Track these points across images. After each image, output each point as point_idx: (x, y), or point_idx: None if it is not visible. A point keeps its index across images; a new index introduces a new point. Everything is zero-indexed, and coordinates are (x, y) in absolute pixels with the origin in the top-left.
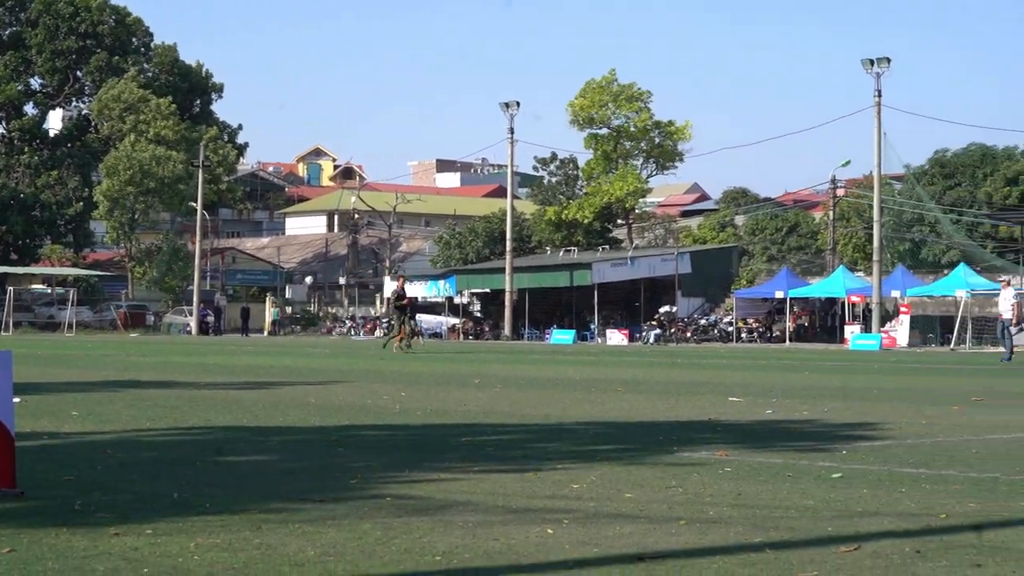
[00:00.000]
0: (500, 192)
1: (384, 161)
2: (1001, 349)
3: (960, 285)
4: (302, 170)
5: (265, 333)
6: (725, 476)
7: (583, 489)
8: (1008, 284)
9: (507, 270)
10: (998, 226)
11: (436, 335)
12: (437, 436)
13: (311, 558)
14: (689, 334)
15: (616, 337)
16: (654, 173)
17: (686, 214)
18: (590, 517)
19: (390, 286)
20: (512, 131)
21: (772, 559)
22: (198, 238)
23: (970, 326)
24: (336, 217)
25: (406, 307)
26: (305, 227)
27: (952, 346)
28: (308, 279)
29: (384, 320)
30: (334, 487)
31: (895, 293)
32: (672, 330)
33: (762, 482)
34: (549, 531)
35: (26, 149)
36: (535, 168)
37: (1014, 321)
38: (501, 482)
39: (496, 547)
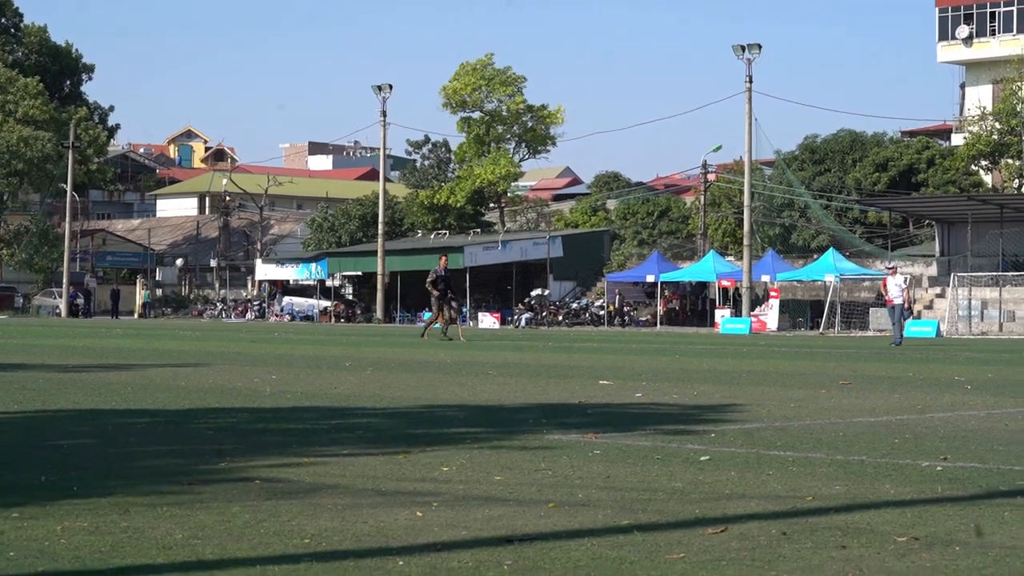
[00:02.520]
0: (372, 175)
1: (256, 143)
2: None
3: (829, 270)
4: (173, 152)
5: (135, 315)
6: (594, 459)
7: (453, 472)
8: (896, 271)
9: (379, 253)
10: (867, 211)
11: (308, 318)
12: (307, 419)
13: (179, 541)
14: (560, 317)
15: (488, 320)
16: (526, 157)
17: (558, 198)
18: (459, 500)
19: (263, 269)
20: (384, 114)
21: (640, 541)
22: (68, 220)
23: (839, 310)
24: (207, 199)
25: (446, 291)
26: (176, 209)
27: (821, 330)
28: (179, 261)
29: (255, 302)
30: (203, 470)
31: (765, 277)
32: (544, 313)
33: (631, 465)
34: (418, 514)
35: None
36: (407, 151)
37: (906, 306)
38: (371, 465)
39: (365, 530)
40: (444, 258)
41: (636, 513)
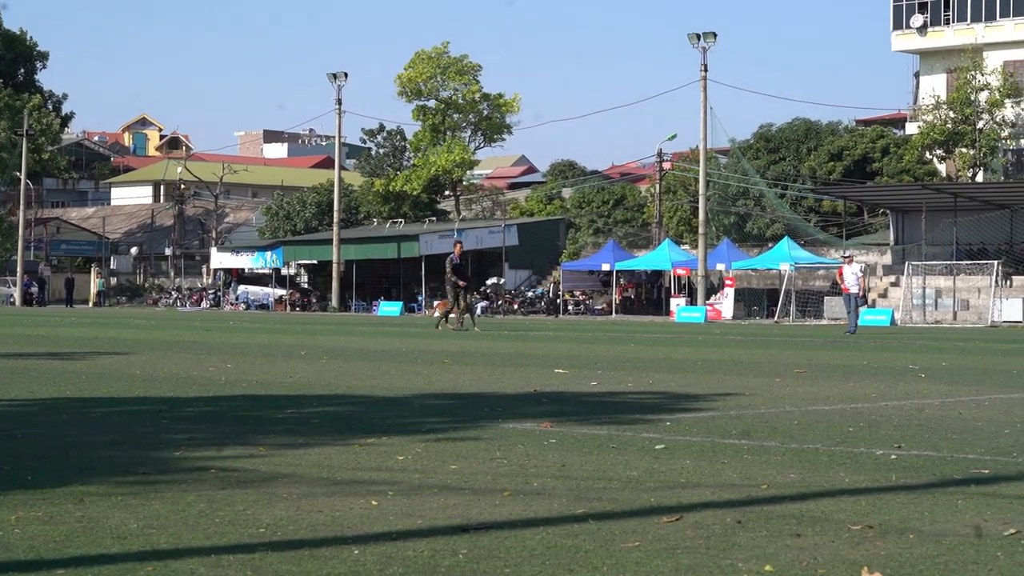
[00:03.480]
0: (328, 163)
1: (211, 131)
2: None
3: (784, 258)
4: (128, 140)
5: (90, 304)
6: (550, 447)
7: (408, 461)
8: (851, 259)
9: (334, 241)
10: (822, 200)
11: (263, 306)
12: (262, 408)
13: (133, 531)
14: (516, 306)
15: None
16: (482, 145)
17: (514, 186)
18: (415, 489)
19: (218, 258)
20: (340, 102)
21: (595, 530)
22: (21, 208)
23: (794, 299)
24: (162, 187)
25: (465, 281)
26: (131, 197)
27: (776, 319)
28: (133, 250)
29: (210, 291)
30: (158, 459)
31: (720, 266)
32: (499, 302)
33: (586, 453)
34: (374, 503)
35: None
36: (363, 140)
37: (861, 294)
38: (326, 454)
39: (320, 519)
40: (459, 244)
41: (591, 501)
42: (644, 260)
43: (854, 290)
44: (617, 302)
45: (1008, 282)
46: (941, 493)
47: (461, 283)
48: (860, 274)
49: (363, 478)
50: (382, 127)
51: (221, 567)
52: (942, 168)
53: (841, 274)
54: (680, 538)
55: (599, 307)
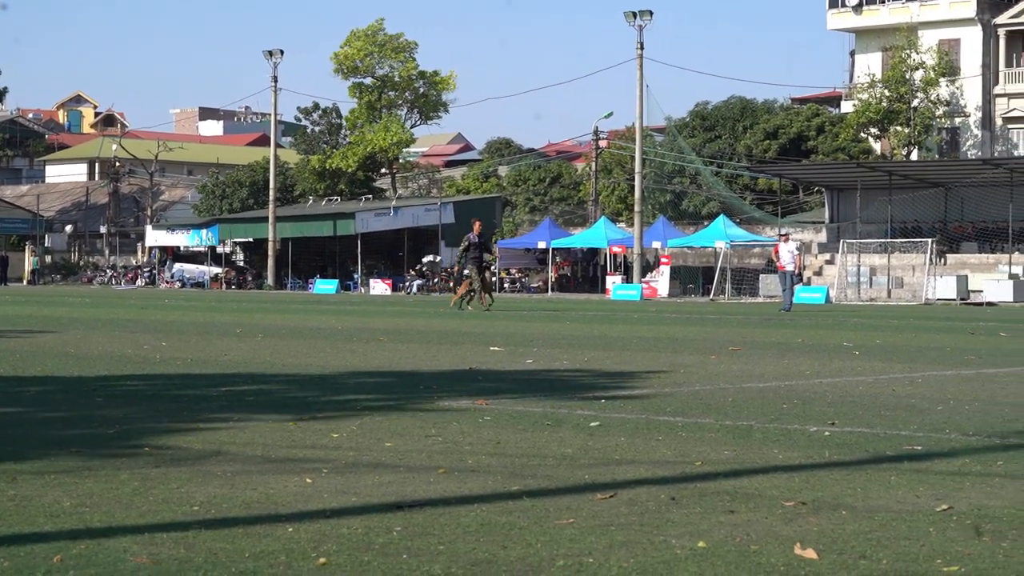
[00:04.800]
0: (263, 141)
1: (146, 108)
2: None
3: (720, 236)
4: (62, 117)
5: (24, 282)
6: (485, 425)
7: (343, 438)
8: (788, 237)
9: (270, 219)
10: (757, 178)
11: (199, 284)
12: (197, 386)
13: (67, 509)
14: (452, 284)
15: (379, 287)
16: (418, 123)
17: (450, 164)
18: (349, 466)
19: (153, 236)
20: (275, 79)
21: (530, 507)
22: None
23: (729, 277)
24: (97, 165)
25: (481, 259)
26: (65, 175)
27: (712, 296)
28: (68, 228)
29: (146, 269)
30: (91, 437)
31: (656, 244)
32: (435, 280)
33: (521, 431)
34: (308, 480)
35: None
36: (298, 117)
37: (796, 272)
38: (261, 432)
39: (255, 497)
40: (478, 223)
41: (526, 479)
42: (580, 238)
43: (790, 268)
44: (553, 280)
45: (942, 260)
46: (874, 470)
47: (473, 257)
48: (796, 252)
49: (297, 456)
50: (318, 105)
51: (155, 545)
52: (877, 146)
53: (777, 252)
54: (614, 515)
55: (535, 285)
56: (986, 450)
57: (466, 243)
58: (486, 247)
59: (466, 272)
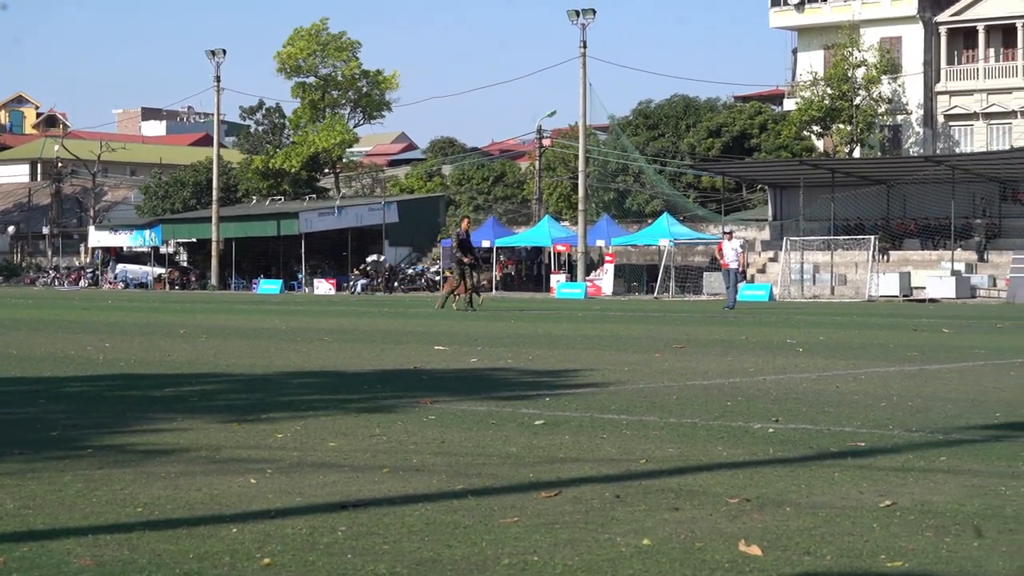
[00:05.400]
0: (206, 141)
1: (88, 108)
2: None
3: (663, 234)
4: (4, 117)
5: None
6: (429, 424)
7: (287, 439)
8: (732, 235)
9: (214, 219)
10: (701, 176)
11: (142, 285)
12: (141, 387)
13: (10, 511)
14: (396, 283)
15: (323, 287)
16: (361, 122)
17: (393, 163)
18: (294, 466)
19: (96, 236)
20: (218, 79)
21: (474, 505)
22: None
23: (673, 275)
24: (39, 166)
25: (470, 257)
26: (7, 176)
27: (656, 294)
28: (10, 229)
29: (89, 270)
30: (35, 439)
31: (600, 242)
32: (379, 279)
33: (465, 430)
34: (252, 481)
35: None
36: (242, 116)
37: (741, 270)
38: (205, 433)
39: (199, 498)
40: (466, 220)
41: (470, 478)
42: (524, 237)
43: (733, 265)
44: (497, 279)
45: (885, 257)
46: (818, 466)
47: (466, 259)
48: (739, 250)
49: (242, 456)
50: (261, 104)
51: (99, 547)
52: (819, 144)
53: (720, 249)
54: (559, 513)
55: (479, 284)
56: (929, 446)
57: (457, 240)
58: (469, 245)
59: (454, 270)
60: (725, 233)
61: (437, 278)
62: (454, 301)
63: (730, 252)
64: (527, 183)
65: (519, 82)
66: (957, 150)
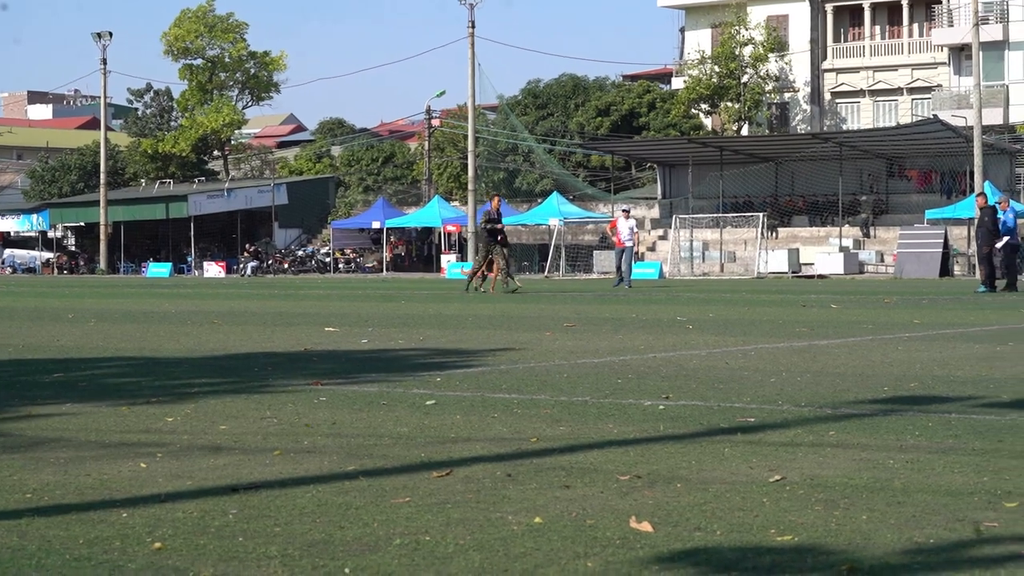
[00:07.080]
0: (94, 124)
1: None
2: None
3: (554, 213)
4: None
5: None
6: (320, 406)
7: (177, 422)
8: (628, 214)
9: (102, 203)
10: (590, 155)
11: (30, 270)
12: (29, 372)
13: None
14: (287, 265)
15: (213, 269)
16: (250, 104)
17: (282, 145)
18: (184, 450)
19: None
20: (105, 62)
21: (366, 486)
22: None
23: (564, 253)
24: None
25: (499, 233)
26: None
27: (546, 273)
28: None
29: (4, 261)
30: None
31: None
32: (269, 261)
33: (357, 411)
34: (142, 465)
35: None
36: (129, 100)
37: (635, 248)
38: (94, 417)
39: (88, 483)
40: (496, 197)
41: (362, 459)
42: (414, 217)
43: (629, 244)
44: (388, 260)
45: (774, 234)
46: (708, 442)
47: (498, 238)
48: (635, 228)
49: (132, 440)
50: (149, 87)
51: None
52: (708, 122)
53: (615, 226)
54: (450, 492)
55: (370, 265)
56: (818, 420)
57: (486, 217)
58: (496, 221)
59: (482, 251)
60: (623, 211)
61: (327, 259)
62: (481, 284)
63: (626, 230)
64: (417, 164)
65: (408, 62)
66: (844, 127)
